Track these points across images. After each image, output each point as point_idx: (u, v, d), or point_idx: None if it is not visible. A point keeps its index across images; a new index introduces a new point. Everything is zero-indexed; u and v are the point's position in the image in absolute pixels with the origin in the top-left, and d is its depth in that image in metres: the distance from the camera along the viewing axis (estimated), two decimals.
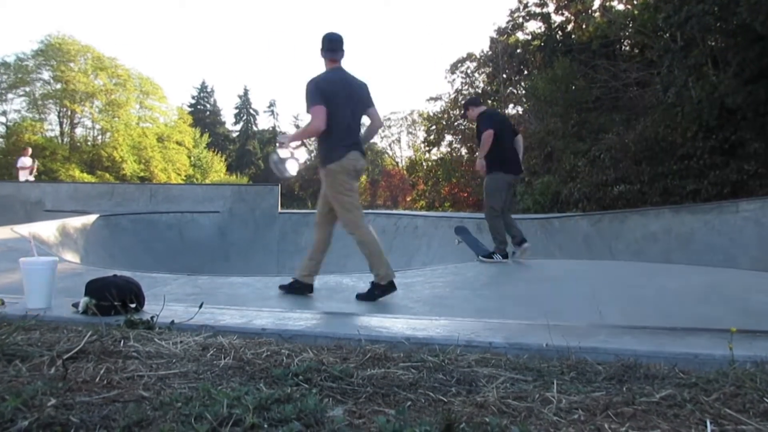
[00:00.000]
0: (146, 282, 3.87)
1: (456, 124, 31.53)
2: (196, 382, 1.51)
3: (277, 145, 4.30)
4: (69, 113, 35.98)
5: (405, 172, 45.53)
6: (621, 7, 22.31)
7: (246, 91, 59.34)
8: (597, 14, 23.66)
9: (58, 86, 34.67)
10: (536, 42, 25.80)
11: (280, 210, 13.05)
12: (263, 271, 9.98)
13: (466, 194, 28.73)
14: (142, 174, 35.73)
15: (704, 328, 2.69)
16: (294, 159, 4.26)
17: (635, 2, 20.87)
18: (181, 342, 1.99)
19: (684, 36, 15.37)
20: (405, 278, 4.89)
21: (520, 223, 10.75)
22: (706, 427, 1.22)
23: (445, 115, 32.69)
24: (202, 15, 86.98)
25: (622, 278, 5.05)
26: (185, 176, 39.64)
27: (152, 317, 2.47)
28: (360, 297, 3.94)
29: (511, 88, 27.97)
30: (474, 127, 7.18)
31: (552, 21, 25.59)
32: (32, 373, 1.56)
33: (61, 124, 36.72)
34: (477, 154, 6.37)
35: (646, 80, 18.61)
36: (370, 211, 18.77)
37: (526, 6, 26.52)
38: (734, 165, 13.95)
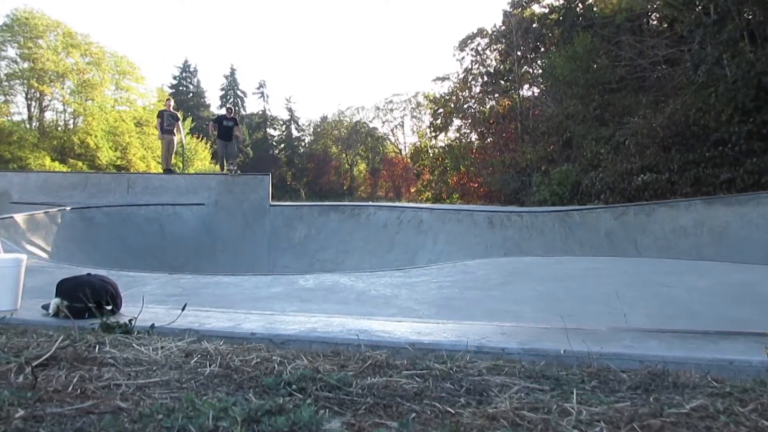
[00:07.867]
0: (123, 281, 3.88)
1: (466, 106, 31.41)
2: (178, 392, 1.51)
3: None
4: (38, 95, 35.91)
5: (409, 160, 45.48)
6: None
7: (233, 71, 59.31)
8: None
9: (26, 65, 34.62)
10: (554, 16, 25.62)
11: (271, 202, 13.06)
12: (252, 269, 10.01)
13: (476, 184, 28.67)
14: (118, 162, 35.74)
15: (739, 332, 2.69)
16: None
17: None
18: (162, 348, 1.99)
19: (717, 8, 15.24)
20: (409, 277, 4.89)
21: (536, 216, 10.87)
22: None
23: (454, 97, 32.57)
24: None
25: (648, 277, 5.05)
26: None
27: (130, 320, 2.48)
28: None
29: (526, 67, 27.84)
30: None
31: None
32: None
33: (29, 107, 36.67)
34: None
35: (676, 58, 18.49)
36: (370, 203, 18.81)
37: None
38: None
